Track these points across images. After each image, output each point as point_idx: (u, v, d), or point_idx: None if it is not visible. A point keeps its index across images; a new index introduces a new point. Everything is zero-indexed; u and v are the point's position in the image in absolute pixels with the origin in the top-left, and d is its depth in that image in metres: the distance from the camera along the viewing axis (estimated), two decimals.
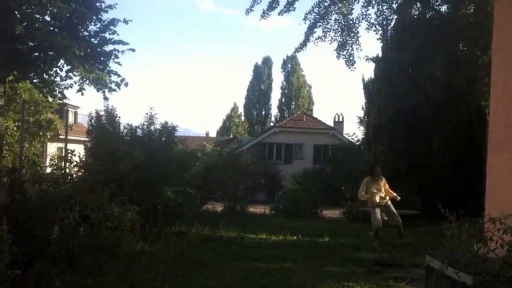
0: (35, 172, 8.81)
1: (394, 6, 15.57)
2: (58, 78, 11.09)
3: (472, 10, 15.09)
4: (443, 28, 14.56)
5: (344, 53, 17.34)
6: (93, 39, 10.63)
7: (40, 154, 17.36)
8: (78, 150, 10.68)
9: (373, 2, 15.47)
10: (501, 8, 6.10)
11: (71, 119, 25.43)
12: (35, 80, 11.16)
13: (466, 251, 4.53)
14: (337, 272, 7.50)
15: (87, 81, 11.28)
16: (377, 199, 10.74)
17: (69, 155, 9.66)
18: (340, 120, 35.21)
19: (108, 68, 10.95)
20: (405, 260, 8.55)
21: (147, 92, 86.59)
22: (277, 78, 71.36)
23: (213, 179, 17.54)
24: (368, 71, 78.06)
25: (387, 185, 11.07)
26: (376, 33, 16.96)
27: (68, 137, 12.13)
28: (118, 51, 10.80)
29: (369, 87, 17.81)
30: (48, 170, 10.44)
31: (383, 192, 10.90)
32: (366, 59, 17.15)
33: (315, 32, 16.94)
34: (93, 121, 12.10)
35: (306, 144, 31.64)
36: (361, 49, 16.96)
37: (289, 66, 58.37)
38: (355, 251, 9.40)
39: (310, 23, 16.75)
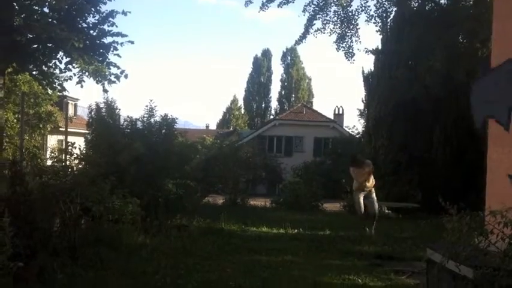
0: (35, 164, 8.82)
1: None
2: (57, 70, 11.10)
3: (471, 2, 15.06)
4: (443, 20, 14.53)
5: (343, 45, 17.36)
6: (92, 31, 10.61)
7: (40, 146, 17.38)
8: (79, 143, 10.67)
9: None
10: (500, 0, 6.07)
11: (70, 112, 25.41)
12: (34, 72, 11.14)
13: (466, 244, 4.54)
14: (338, 265, 7.52)
15: (87, 73, 11.27)
16: (363, 186, 10.86)
17: (70, 147, 9.66)
18: (340, 112, 35.18)
19: (107, 60, 10.94)
20: (406, 253, 8.57)
21: (146, 84, 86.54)
22: (277, 70, 71.29)
23: (214, 171, 17.55)
24: (368, 63, 77.93)
25: (371, 170, 11.09)
26: (376, 25, 16.97)
27: (68, 130, 12.14)
28: (117, 43, 10.78)
29: (369, 80, 17.79)
30: (49, 162, 10.44)
31: (370, 180, 10.96)
32: (366, 51, 17.15)
33: (315, 24, 16.95)
34: (93, 113, 12.07)
35: (306, 137, 31.64)
36: (360, 41, 17.00)
37: (289, 58, 58.25)
38: (356, 244, 9.41)
39: (309, 15, 16.76)
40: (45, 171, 7.83)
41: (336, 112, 35.23)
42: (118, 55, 11.00)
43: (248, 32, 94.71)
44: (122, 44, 10.87)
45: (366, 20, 17.00)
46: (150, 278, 6.06)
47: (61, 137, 17.69)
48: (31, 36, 9.98)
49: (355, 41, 17.31)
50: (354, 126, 35.01)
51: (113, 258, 6.99)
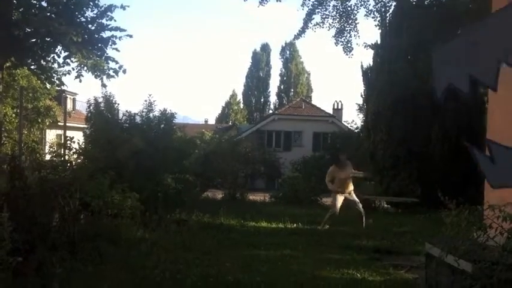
0: (34, 159, 8.82)
1: None
2: (56, 65, 11.05)
3: None
4: (442, 15, 14.49)
5: (342, 39, 17.31)
6: (90, 25, 10.56)
7: (39, 141, 17.33)
8: (77, 137, 10.66)
9: None
10: None
11: (69, 106, 25.36)
12: (32, 67, 11.10)
13: (465, 238, 4.55)
14: (337, 260, 7.54)
15: (85, 68, 11.23)
16: (344, 187, 10.74)
17: (68, 142, 9.65)
18: (339, 107, 35.14)
19: (105, 54, 10.91)
20: (405, 247, 8.59)
21: (145, 79, 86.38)
22: (276, 65, 71.13)
23: (213, 166, 17.55)
24: (367, 58, 77.92)
25: (351, 174, 10.97)
26: (375, 20, 16.92)
27: (67, 124, 12.12)
28: (116, 37, 10.75)
29: (368, 75, 17.75)
30: (48, 157, 10.44)
31: (350, 183, 10.88)
32: (365, 46, 17.11)
33: (313, 18, 16.88)
34: (91, 108, 12.06)
35: (305, 132, 31.61)
36: (359, 36, 16.94)
37: (288, 53, 58.08)
38: (355, 238, 9.42)
39: (308, 10, 16.69)
40: (44, 166, 7.83)
41: (335, 107, 35.19)
42: (116, 49, 10.98)
43: (247, 27, 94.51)
44: (120, 38, 10.84)
45: (365, 15, 16.95)
46: (149, 272, 6.07)
47: (60, 132, 17.68)
48: (29, 30, 9.94)
49: (354, 35, 17.26)
50: (353, 121, 35.03)
51: (112, 252, 7.00)
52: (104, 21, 10.62)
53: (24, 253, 5.25)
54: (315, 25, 17.00)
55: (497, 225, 4.27)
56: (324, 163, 24.10)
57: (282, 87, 57.95)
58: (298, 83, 57.27)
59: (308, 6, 16.58)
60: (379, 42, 16.87)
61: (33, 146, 14.17)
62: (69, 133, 11.51)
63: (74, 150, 9.99)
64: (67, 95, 25.37)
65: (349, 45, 17.25)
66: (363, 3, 16.70)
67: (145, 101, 12.10)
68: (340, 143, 25.52)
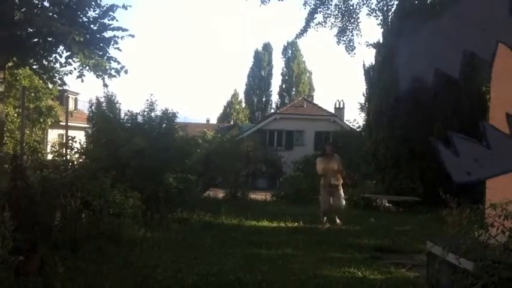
0: (36, 159, 8.83)
1: None
2: (58, 65, 11.11)
3: None
4: (444, 13, 14.47)
5: (344, 38, 17.33)
6: (92, 25, 10.60)
7: (41, 141, 17.39)
8: (79, 137, 10.70)
9: None
10: None
11: (71, 106, 25.41)
12: (34, 66, 11.15)
13: (467, 237, 4.55)
14: (338, 258, 7.54)
15: (87, 68, 11.28)
16: (328, 179, 10.63)
17: (70, 141, 9.68)
18: (341, 106, 35.15)
19: (107, 54, 10.94)
20: (406, 246, 8.58)
21: (147, 79, 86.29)
22: (278, 64, 71.06)
23: (214, 165, 17.57)
24: (369, 57, 77.76)
25: (341, 166, 10.83)
26: (377, 19, 16.92)
27: (69, 124, 12.14)
28: (117, 37, 10.78)
29: (370, 73, 17.75)
30: (50, 156, 10.45)
31: (338, 176, 10.75)
32: (367, 45, 17.13)
33: (315, 17, 16.90)
34: (93, 108, 12.08)
35: (306, 131, 31.63)
36: (361, 35, 16.98)
37: (290, 52, 58.15)
38: (356, 237, 9.43)
39: (310, 9, 16.71)
40: (45, 165, 7.85)
41: (337, 106, 35.19)
42: (118, 49, 11.02)
43: (249, 26, 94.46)
44: (122, 38, 10.88)
45: (367, 14, 16.96)
46: (151, 271, 6.08)
47: (62, 131, 17.70)
48: (31, 30, 9.97)
49: (356, 34, 17.29)
50: (355, 120, 34.99)
51: (113, 251, 7.02)
52: (106, 21, 10.67)
53: (26, 252, 5.26)
54: (317, 24, 17.03)
55: (498, 223, 4.27)
56: None
57: (283, 86, 58.00)
58: (300, 82, 57.32)
59: (310, 6, 16.61)
60: (381, 41, 16.87)
61: (35, 146, 14.23)
62: (71, 133, 11.55)
63: (76, 149, 10.04)
64: (69, 95, 25.43)
65: (351, 44, 17.28)
66: (365, 2, 16.72)
67: (147, 100, 12.13)
68: (342, 142, 25.52)
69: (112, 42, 10.74)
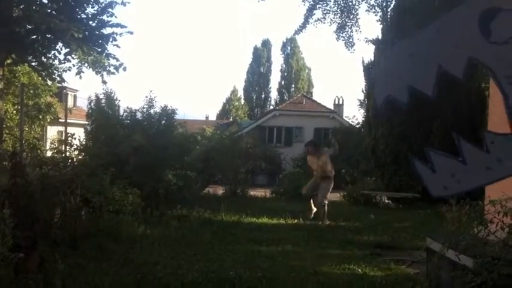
0: (35, 156, 8.82)
1: None
2: (56, 61, 11.11)
3: None
4: (444, 10, 14.45)
5: (343, 34, 17.32)
6: (91, 22, 10.59)
7: (40, 138, 17.38)
8: (78, 134, 10.68)
9: None
10: None
11: (70, 103, 25.35)
12: (33, 63, 11.14)
13: (466, 233, 4.56)
14: (338, 255, 7.54)
15: (86, 64, 11.27)
16: (319, 174, 10.77)
17: (69, 138, 9.67)
18: (340, 103, 35.13)
19: (106, 51, 10.93)
20: (406, 242, 8.59)
21: (146, 76, 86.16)
22: (277, 61, 70.99)
23: (214, 162, 17.57)
24: (368, 53, 77.72)
25: (327, 160, 10.78)
26: (376, 15, 16.90)
27: (68, 121, 12.12)
28: (116, 34, 10.77)
29: (369, 70, 17.73)
30: (49, 153, 10.45)
31: (326, 169, 10.75)
32: (366, 41, 17.09)
33: (314, 13, 16.88)
34: (92, 104, 12.07)
35: (306, 127, 31.60)
36: (360, 31, 16.97)
37: (289, 48, 58.12)
38: (356, 233, 9.44)
39: (309, 5, 16.68)
40: (45, 162, 7.83)
41: (336, 102, 35.18)
42: (117, 46, 11.02)
43: (248, 22, 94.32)
44: (121, 34, 10.87)
45: (367, 10, 16.94)
46: (151, 268, 6.08)
47: (61, 128, 17.69)
48: (30, 27, 9.95)
49: (356, 30, 17.28)
50: (354, 116, 35.06)
51: (113, 248, 7.02)
52: (104, 17, 10.65)
53: (25, 249, 5.25)
54: (316, 21, 17.00)
55: (498, 220, 4.27)
56: None
57: (282, 83, 58.00)
58: (299, 78, 57.31)
59: (309, 2, 16.58)
60: (380, 37, 16.85)
61: (34, 143, 14.20)
62: (70, 130, 11.53)
63: (75, 146, 10.02)
64: (68, 92, 25.39)
65: (350, 40, 17.28)
66: None
67: (146, 97, 12.12)
68: (341, 139, 25.52)
69: (111, 39, 10.73)
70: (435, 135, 14.55)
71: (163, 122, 12.19)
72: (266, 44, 59.60)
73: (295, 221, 10.83)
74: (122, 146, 10.57)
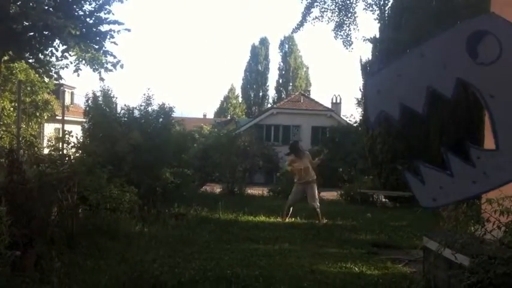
0: (32, 153, 8.79)
1: None
2: (54, 59, 11.04)
3: None
4: (442, 8, 14.45)
5: (341, 33, 17.32)
6: (88, 19, 10.55)
7: (37, 135, 17.30)
8: (76, 131, 10.65)
9: None
10: None
11: (67, 100, 25.29)
12: (30, 60, 11.09)
13: (463, 232, 4.56)
14: (335, 254, 7.55)
15: (83, 62, 11.23)
16: (301, 177, 10.77)
17: (67, 136, 9.64)
18: (338, 101, 35.12)
19: (103, 48, 10.89)
20: (403, 241, 8.61)
21: (143, 73, 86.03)
22: (275, 59, 70.98)
23: (211, 160, 17.57)
24: (366, 51, 77.71)
25: (311, 162, 10.96)
26: (373, 14, 16.91)
27: (65, 118, 12.07)
28: (114, 31, 10.73)
29: (367, 68, 17.73)
30: (46, 151, 10.42)
31: (309, 172, 10.82)
32: (364, 40, 17.10)
33: (312, 12, 16.87)
34: (89, 102, 12.05)
35: (303, 126, 31.59)
36: (358, 29, 16.97)
37: (287, 46, 58.10)
38: (352, 232, 9.45)
39: (307, 3, 16.68)
40: (42, 159, 7.82)
41: (334, 101, 35.17)
42: (115, 43, 10.97)
43: (246, 21, 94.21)
44: (118, 32, 10.83)
45: (364, 8, 16.94)
46: (148, 266, 6.08)
47: (58, 126, 17.64)
48: (27, 24, 9.91)
49: (353, 29, 17.29)
50: (352, 115, 34.99)
51: (110, 246, 7.01)
52: (102, 14, 10.61)
53: (22, 247, 5.25)
54: (313, 19, 17.00)
55: (494, 219, 4.28)
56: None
57: (280, 81, 57.97)
58: (297, 77, 57.29)
59: (307, 0, 16.56)
60: (378, 35, 16.85)
61: (31, 140, 14.13)
62: (67, 127, 11.49)
63: (72, 144, 9.99)
64: (65, 89, 25.33)
65: (348, 39, 17.28)
66: None
67: (144, 95, 12.10)
68: (339, 137, 25.56)
69: (108, 36, 10.69)
70: (434, 133, 14.57)
71: (160, 120, 12.18)
72: (264, 42, 59.59)
73: (292, 219, 10.84)
74: (119, 143, 10.55)
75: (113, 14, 10.72)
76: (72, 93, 28.37)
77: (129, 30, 11.03)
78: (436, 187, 2.04)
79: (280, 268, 6.47)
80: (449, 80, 1.97)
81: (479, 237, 4.48)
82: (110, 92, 11.94)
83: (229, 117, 48.47)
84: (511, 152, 1.97)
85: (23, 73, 15.77)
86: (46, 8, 9.88)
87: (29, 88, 16.70)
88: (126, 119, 11.99)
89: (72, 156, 9.19)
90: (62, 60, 11.09)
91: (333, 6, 16.87)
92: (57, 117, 17.74)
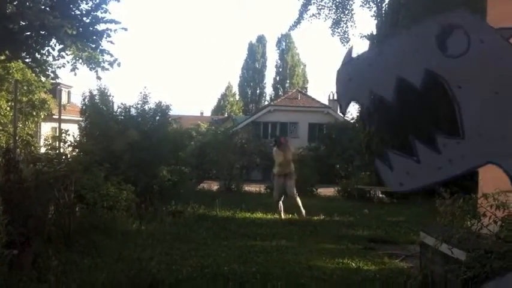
0: (29, 152, 8.79)
1: None
2: (50, 58, 11.04)
3: None
4: (439, 4, 14.46)
5: (338, 30, 17.35)
6: (85, 18, 10.54)
7: (34, 134, 17.30)
8: (72, 130, 10.66)
9: None
10: None
11: (64, 99, 25.21)
12: (27, 60, 11.08)
13: (459, 227, 4.57)
14: (332, 249, 7.57)
15: (80, 61, 11.22)
16: (282, 169, 10.68)
17: (63, 134, 9.64)
18: (335, 98, 35.07)
19: (100, 47, 10.89)
20: (400, 237, 8.64)
21: (140, 72, 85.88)
22: (272, 56, 70.90)
23: (208, 158, 17.57)
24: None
25: (291, 156, 10.89)
26: (370, 10, 16.93)
27: (62, 117, 12.07)
28: (110, 30, 10.73)
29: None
30: (43, 150, 10.42)
31: (291, 164, 10.77)
32: (361, 37, 17.16)
33: (309, 9, 16.89)
34: (86, 101, 12.03)
35: (300, 123, 31.59)
36: (355, 26, 17.01)
37: (284, 44, 58.03)
38: (350, 228, 9.48)
39: (304, 0, 16.68)
40: (39, 158, 7.81)
41: (331, 98, 35.13)
42: (111, 42, 10.96)
43: (243, 18, 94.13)
44: (115, 30, 10.82)
45: (361, 5, 16.96)
46: (146, 264, 6.07)
47: (55, 125, 17.61)
48: (23, 23, 9.89)
49: (351, 26, 17.32)
50: (349, 111, 34.96)
51: (107, 245, 7.01)
52: (98, 13, 10.61)
53: (19, 246, 5.25)
54: (310, 16, 17.02)
55: (490, 213, 4.29)
56: (320, 154, 24.25)
57: (277, 78, 57.91)
58: (294, 74, 57.23)
59: None
60: (375, 32, 16.87)
61: (28, 139, 14.13)
62: (64, 126, 11.49)
63: (69, 143, 9.99)
64: (62, 88, 25.26)
65: (345, 35, 17.31)
66: None
67: (141, 93, 12.09)
68: (336, 134, 25.55)
69: (105, 35, 10.69)
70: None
71: (157, 118, 12.16)
72: (261, 39, 59.50)
73: (290, 216, 10.84)
74: (116, 142, 10.54)
75: (110, 13, 10.75)
76: (68, 92, 28.31)
77: (125, 29, 11.04)
78: (403, 172, 2.14)
79: (278, 264, 6.49)
80: (418, 70, 2.07)
81: (476, 231, 4.50)
82: (106, 91, 11.93)
83: (226, 115, 48.46)
84: (474, 141, 2.05)
85: (20, 72, 15.74)
86: (42, 7, 9.86)
87: (25, 87, 16.68)
88: (122, 117, 11.98)
89: (69, 155, 9.19)
90: (58, 59, 11.10)
91: (330, 3, 16.91)
92: (53, 116, 17.71)
